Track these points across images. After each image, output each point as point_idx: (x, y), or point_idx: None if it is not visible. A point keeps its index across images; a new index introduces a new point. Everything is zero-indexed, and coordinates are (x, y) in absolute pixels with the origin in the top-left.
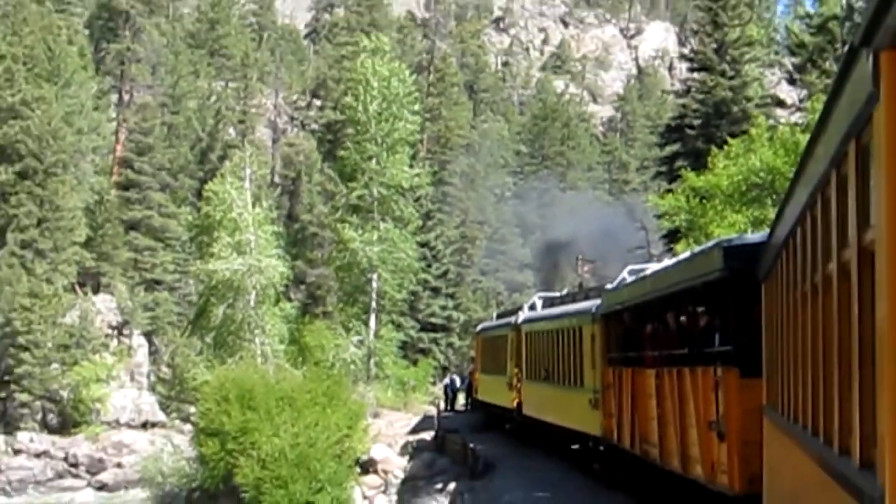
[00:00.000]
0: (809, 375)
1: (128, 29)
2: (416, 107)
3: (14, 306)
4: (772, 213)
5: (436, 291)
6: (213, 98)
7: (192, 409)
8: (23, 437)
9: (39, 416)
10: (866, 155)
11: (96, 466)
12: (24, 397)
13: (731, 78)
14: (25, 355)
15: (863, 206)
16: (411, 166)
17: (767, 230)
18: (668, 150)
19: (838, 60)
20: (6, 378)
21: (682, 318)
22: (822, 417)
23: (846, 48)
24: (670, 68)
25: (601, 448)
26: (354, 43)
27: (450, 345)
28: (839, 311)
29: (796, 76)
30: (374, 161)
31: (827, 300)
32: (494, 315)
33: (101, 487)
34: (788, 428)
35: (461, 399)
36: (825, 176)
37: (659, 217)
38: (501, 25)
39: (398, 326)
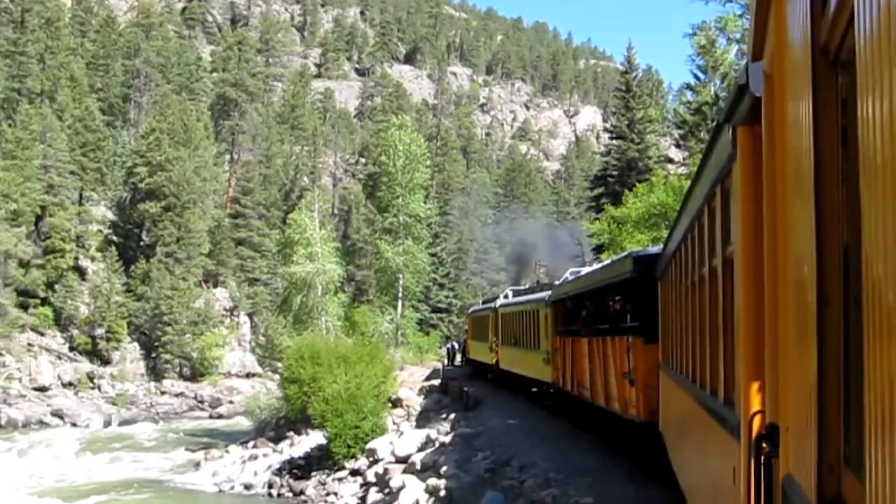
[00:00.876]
0: (690, 342)
1: (236, 111)
2: (428, 163)
3: (161, 296)
4: (664, 234)
5: (441, 286)
6: (293, 157)
7: (279, 365)
8: (167, 384)
9: (178, 370)
10: (727, 195)
11: (215, 403)
12: (167, 356)
13: (638, 144)
14: (168, 329)
15: (725, 230)
16: (425, 202)
17: (662, 245)
18: (596, 191)
19: (709, 133)
20: (156, 344)
21: (605, 304)
22: (699, 370)
23: (714, 124)
24: (597, 137)
25: (551, 391)
26: (387, 120)
27: (451, 322)
28: (710, 299)
29: (681, 143)
30: (400, 199)
31: (702, 292)
32: (480, 302)
33: (219, 417)
34: (676, 377)
35: (458, 358)
36: (700, 209)
37: (590, 236)
38: (485, 108)
39: (416, 309)
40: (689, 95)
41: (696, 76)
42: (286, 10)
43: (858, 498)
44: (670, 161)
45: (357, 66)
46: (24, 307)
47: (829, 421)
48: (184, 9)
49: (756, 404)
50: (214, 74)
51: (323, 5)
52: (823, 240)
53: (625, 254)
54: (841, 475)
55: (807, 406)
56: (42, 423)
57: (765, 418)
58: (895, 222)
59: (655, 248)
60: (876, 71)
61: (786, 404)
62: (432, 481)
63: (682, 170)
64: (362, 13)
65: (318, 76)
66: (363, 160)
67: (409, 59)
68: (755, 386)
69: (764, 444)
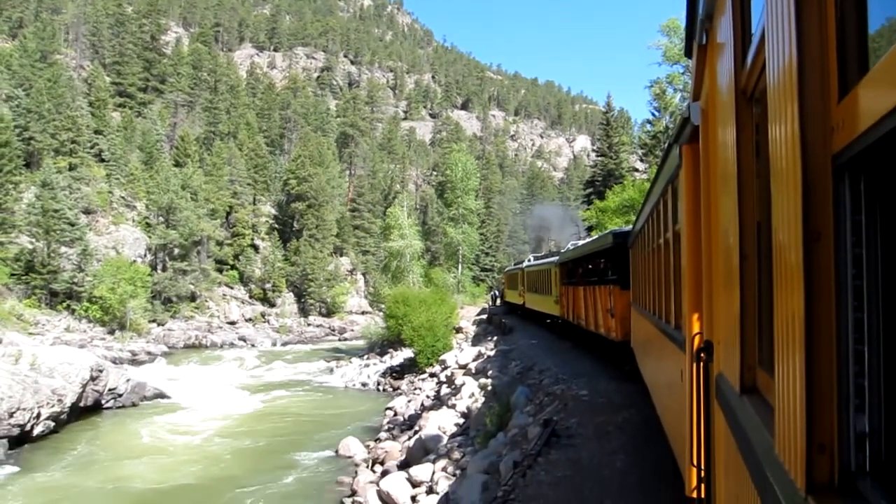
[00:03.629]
0: (652, 288)
1: (352, 143)
2: (477, 175)
3: (306, 262)
4: (633, 218)
5: (486, 254)
6: (389, 172)
7: (383, 306)
8: (311, 319)
9: (318, 309)
10: (676, 191)
11: (342, 330)
12: (311, 301)
13: (615, 160)
14: (311, 283)
15: (675, 214)
16: (475, 200)
17: (632, 225)
18: (588, 191)
19: (662, 151)
20: (303, 293)
21: (595, 265)
22: (657, 306)
23: (666, 145)
24: (588, 156)
25: (560, 321)
26: (450, 147)
27: (493, 277)
28: (664, 260)
29: (643, 158)
30: (459, 198)
31: (659, 255)
32: (513, 264)
33: (344, 340)
34: (642, 311)
35: (499, 301)
36: (657, 201)
37: (584, 220)
38: (514, 138)
39: (470, 269)
40: (648, 127)
41: (653, 114)
42: (383, 76)
43: (768, 388)
44: (636, 170)
45: (430, 112)
46: (220, 271)
47: (748, 335)
48: (318, 77)
49: (696, 328)
50: (338, 119)
51: (408, 72)
52: (743, 218)
53: (607, 231)
54: (756, 373)
55: (733, 327)
56: (233, 345)
57: (702, 338)
58: (794, 205)
59: (627, 227)
60: (779, 105)
61: (718, 327)
62: (482, 380)
63: (644, 176)
64: (433, 77)
65: (405, 119)
66: (435, 173)
67: (464, 106)
68: (696, 316)
69: (702, 355)
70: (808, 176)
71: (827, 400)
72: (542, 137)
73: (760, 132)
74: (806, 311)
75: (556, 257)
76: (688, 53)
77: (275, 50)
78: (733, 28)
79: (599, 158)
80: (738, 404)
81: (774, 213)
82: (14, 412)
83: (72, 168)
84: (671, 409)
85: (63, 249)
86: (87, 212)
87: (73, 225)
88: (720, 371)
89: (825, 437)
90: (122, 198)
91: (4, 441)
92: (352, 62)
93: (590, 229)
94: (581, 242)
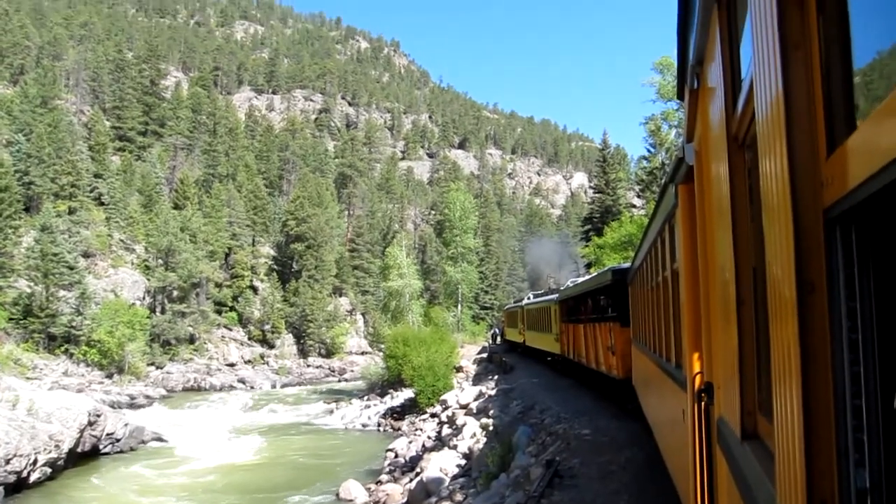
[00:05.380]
0: (651, 325)
1: (351, 183)
2: (475, 213)
3: (305, 303)
4: (632, 255)
5: (486, 292)
6: (388, 212)
7: (382, 346)
8: (310, 360)
9: (317, 350)
10: (673, 230)
11: (342, 371)
12: (311, 342)
13: (612, 196)
14: (310, 324)
15: (672, 252)
16: (474, 239)
17: (630, 262)
18: (586, 227)
19: (659, 188)
20: (303, 334)
21: (594, 302)
22: (657, 344)
23: (663, 183)
24: (585, 192)
25: (560, 358)
26: (448, 186)
27: (493, 315)
28: (664, 297)
29: (640, 194)
30: (457, 237)
31: (658, 293)
32: (512, 301)
33: (344, 380)
34: (643, 349)
35: (499, 339)
36: (655, 239)
37: (582, 257)
38: (511, 176)
39: (470, 308)
40: (644, 163)
41: (648, 150)
42: (381, 116)
43: (769, 434)
44: (633, 206)
45: (428, 151)
46: (219, 312)
47: (747, 381)
48: (316, 118)
49: (697, 367)
50: (337, 160)
51: (405, 113)
52: (739, 263)
53: (606, 268)
54: (756, 418)
55: (731, 371)
56: (232, 388)
57: (703, 377)
58: (787, 257)
59: (626, 264)
60: (769, 156)
61: (718, 368)
62: (484, 420)
63: (641, 212)
64: (430, 116)
65: (403, 159)
66: (433, 212)
67: (461, 145)
68: (696, 355)
69: (703, 395)
70: (799, 229)
71: (826, 454)
72: (539, 175)
73: (753, 177)
74: (802, 363)
75: (556, 295)
76: (680, 96)
77: (273, 92)
78: (723, 75)
79: (597, 195)
80: (739, 451)
81: (769, 263)
82: (10, 459)
83: (71, 212)
84: (674, 449)
85: (62, 293)
86: (86, 255)
87: (71, 268)
88: (721, 414)
89: (826, 492)
90: (122, 241)
91: (0, 489)
92: (349, 103)
93: (588, 266)
94: (580, 279)
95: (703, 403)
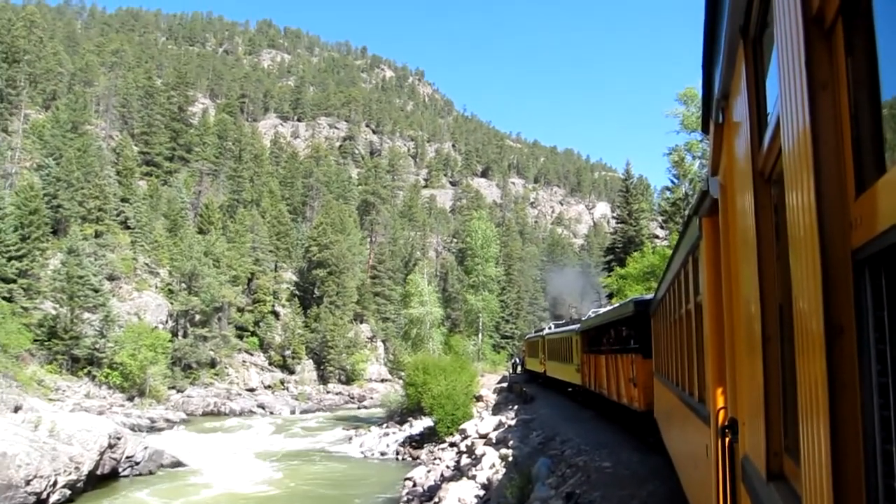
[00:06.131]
0: (674, 358)
1: (374, 210)
2: (497, 242)
3: (326, 329)
4: (654, 286)
5: (507, 321)
6: (410, 239)
7: (403, 373)
8: (330, 386)
9: (337, 377)
10: (697, 262)
11: (361, 398)
12: (331, 368)
13: (635, 226)
14: (331, 350)
15: (696, 285)
16: (495, 267)
17: (653, 293)
18: (608, 258)
19: (682, 220)
20: (323, 360)
21: (616, 333)
22: (680, 377)
23: (687, 215)
24: (608, 222)
25: (581, 390)
26: (470, 214)
27: (514, 344)
28: (687, 330)
29: (663, 225)
30: (479, 265)
31: (681, 325)
32: (533, 331)
33: (364, 408)
34: (665, 382)
35: (519, 369)
36: (678, 271)
37: (604, 287)
38: (533, 205)
39: (491, 337)
40: (668, 194)
41: (672, 181)
42: (404, 144)
43: (795, 476)
44: (656, 237)
45: (451, 179)
46: (240, 337)
47: (772, 420)
48: (340, 146)
49: (720, 402)
50: (360, 187)
51: (428, 141)
52: (765, 300)
53: (628, 300)
54: (782, 459)
55: (756, 409)
56: (251, 412)
57: (727, 412)
58: (815, 298)
59: (649, 296)
60: (797, 194)
61: (742, 404)
62: (503, 451)
63: (664, 243)
64: (453, 145)
65: (426, 186)
66: (455, 240)
67: (484, 174)
68: (720, 390)
69: (727, 432)
70: (827, 268)
71: (856, 500)
72: (561, 204)
73: (780, 214)
74: (830, 406)
75: (578, 325)
76: (705, 129)
77: (298, 120)
78: (749, 110)
79: (619, 225)
80: (765, 493)
81: (795, 301)
82: (31, 480)
83: (98, 235)
84: (697, 485)
85: (86, 315)
86: (111, 278)
87: (96, 291)
88: (746, 453)
89: None
90: (146, 264)
91: None
92: (374, 131)
93: (610, 296)
94: (602, 310)
95: (727, 440)
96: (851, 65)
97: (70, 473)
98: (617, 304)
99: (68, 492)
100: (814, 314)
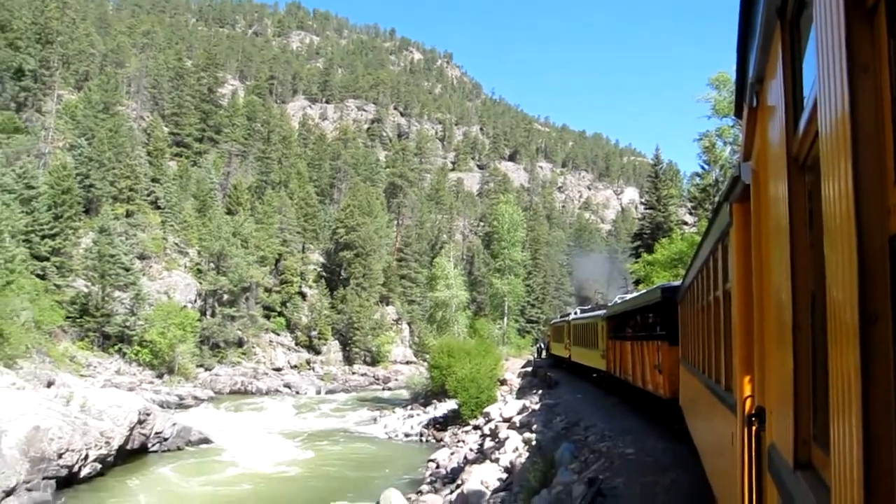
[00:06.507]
0: (701, 345)
1: (401, 193)
2: (523, 226)
3: (352, 311)
4: (682, 273)
5: (532, 306)
6: (437, 222)
7: (427, 356)
8: (356, 367)
9: (363, 358)
10: (726, 249)
11: (386, 380)
12: (356, 349)
13: (663, 212)
14: (357, 331)
15: (725, 272)
16: (521, 252)
17: (681, 280)
18: (635, 244)
19: (712, 206)
20: (349, 341)
21: (643, 319)
22: (707, 365)
23: (717, 201)
24: (636, 208)
25: (605, 375)
26: (497, 198)
27: (539, 329)
28: (715, 317)
29: (692, 212)
30: (505, 250)
31: (709, 313)
32: (559, 316)
33: (388, 389)
34: (691, 369)
35: (544, 353)
36: (707, 257)
37: (631, 273)
38: (561, 190)
39: (516, 321)
40: (697, 180)
41: (702, 167)
42: (432, 127)
43: (824, 465)
44: (685, 223)
45: (478, 163)
46: (267, 317)
47: (801, 409)
48: (368, 128)
49: (747, 391)
50: (387, 169)
51: (456, 124)
52: (796, 289)
53: (655, 286)
54: (811, 448)
55: (785, 397)
56: (277, 392)
57: (754, 401)
58: (850, 286)
59: (676, 282)
60: (833, 180)
61: (770, 393)
62: (527, 435)
63: (693, 230)
64: (481, 129)
65: (453, 170)
66: (482, 224)
67: (512, 157)
68: (747, 378)
69: (754, 420)
70: (863, 256)
71: (887, 490)
72: (589, 189)
73: (813, 201)
74: (863, 395)
75: (603, 311)
76: (738, 113)
77: (327, 102)
78: (784, 93)
79: (648, 211)
80: (791, 481)
81: (829, 289)
82: (63, 453)
83: (128, 215)
84: (721, 474)
85: (117, 294)
86: (141, 257)
87: (127, 270)
88: (773, 442)
89: None
90: (176, 244)
91: (52, 482)
92: (401, 114)
93: (637, 282)
94: (629, 296)
95: (753, 428)
96: (894, 47)
97: (101, 448)
98: (644, 291)
99: (99, 465)
100: (848, 302)
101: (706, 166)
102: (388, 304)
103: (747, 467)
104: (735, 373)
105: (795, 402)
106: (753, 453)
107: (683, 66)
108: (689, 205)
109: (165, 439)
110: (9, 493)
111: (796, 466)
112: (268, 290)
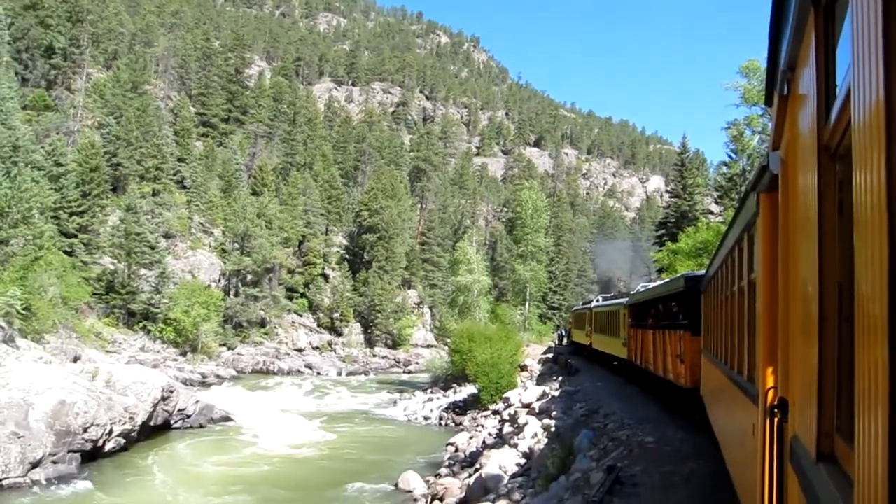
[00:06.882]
0: (724, 336)
1: (425, 177)
2: (547, 212)
3: (374, 294)
4: (706, 262)
5: (554, 292)
6: (460, 207)
7: (448, 340)
8: (377, 349)
9: (384, 340)
10: (752, 239)
11: (407, 363)
12: (378, 332)
13: (688, 201)
14: (378, 314)
15: (750, 262)
16: (545, 238)
17: (704, 270)
18: (660, 232)
19: (739, 195)
20: (370, 324)
21: (665, 308)
22: (729, 355)
23: (744, 191)
24: (661, 196)
25: (627, 364)
26: (521, 184)
27: (560, 316)
28: (738, 308)
29: (718, 201)
30: (528, 235)
31: (733, 303)
32: (580, 303)
33: (409, 372)
34: (713, 359)
35: (565, 340)
36: (733, 247)
37: (655, 262)
38: (586, 176)
39: (538, 307)
40: (724, 169)
41: (729, 156)
42: (458, 112)
43: (847, 457)
44: (710, 213)
45: (503, 148)
46: (290, 298)
47: (826, 401)
48: (393, 111)
49: (770, 382)
50: (412, 153)
51: (482, 109)
52: (824, 278)
53: (679, 275)
54: (834, 440)
55: (809, 389)
56: (299, 372)
57: (776, 393)
58: (881, 273)
59: (700, 272)
60: (866, 168)
61: (794, 385)
62: (546, 421)
63: (719, 219)
64: (507, 114)
65: (478, 155)
66: (505, 209)
67: (537, 143)
68: (770, 369)
69: (776, 412)
70: (895, 249)
71: None
72: (614, 177)
73: (844, 190)
74: (891, 388)
75: (626, 299)
76: (768, 101)
77: (353, 84)
78: (817, 81)
79: (673, 199)
80: (813, 473)
81: (858, 281)
82: (88, 427)
83: (155, 193)
84: (742, 465)
85: (142, 271)
86: (166, 236)
87: (153, 248)
88: (795, 433)
89: None
90: (201, 224)
91: (77, 455)
92: (427, 98)
93: (661, 271)
94: (651, 285)
95: (775, 419)
96: None
97: (125, 423)
98: (667, 280)
99: (123, 440)
100: (878, 293)
101: (733, 155)
102: (409, 288)
103: (768, 458)
104: (758, 364)
105: (819, 393)
106: (775, 444)
107: (713, 54)
108: (715, 194)
109: (188, 416)
110: (35, 465)
111: (819, 458)
112: (291, 272)
